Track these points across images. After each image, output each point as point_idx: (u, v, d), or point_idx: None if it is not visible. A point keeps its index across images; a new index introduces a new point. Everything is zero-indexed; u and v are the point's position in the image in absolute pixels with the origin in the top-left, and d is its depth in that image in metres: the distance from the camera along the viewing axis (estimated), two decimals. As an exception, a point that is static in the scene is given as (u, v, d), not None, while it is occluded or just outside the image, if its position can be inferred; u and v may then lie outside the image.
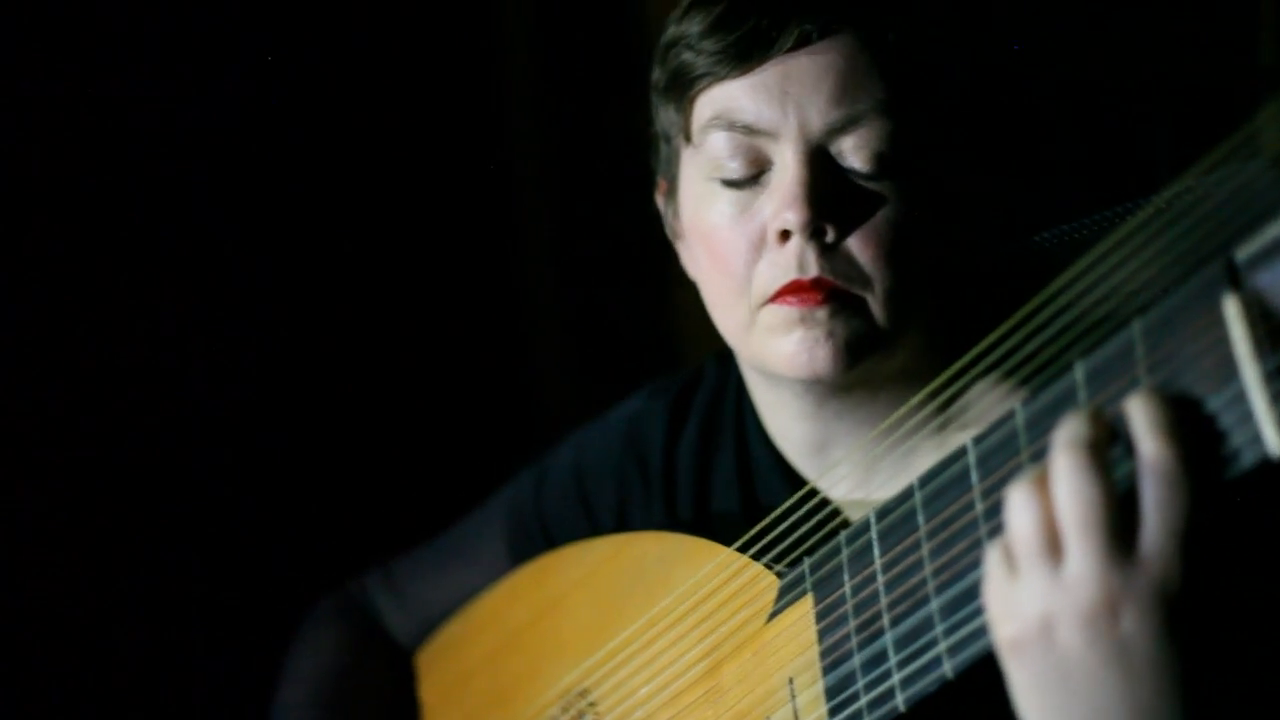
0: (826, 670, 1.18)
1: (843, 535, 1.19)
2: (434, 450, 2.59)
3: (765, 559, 1.30)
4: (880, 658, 1.13)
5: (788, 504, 1.31)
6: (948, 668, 1.07)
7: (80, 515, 2.24)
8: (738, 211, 1.32)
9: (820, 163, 1.28)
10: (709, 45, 1.31)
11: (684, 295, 1.49)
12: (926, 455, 1.33)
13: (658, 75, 1.39)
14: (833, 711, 1.17)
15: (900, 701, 1.11)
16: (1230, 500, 0.92)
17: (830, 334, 1.29)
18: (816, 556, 1.22)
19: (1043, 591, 0.96)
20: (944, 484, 1.09)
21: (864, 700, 1.14)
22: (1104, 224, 1.29)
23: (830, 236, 1.28)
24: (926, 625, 1.09)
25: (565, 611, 1.54)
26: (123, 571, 2.24)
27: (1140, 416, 0.94)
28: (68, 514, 2.23)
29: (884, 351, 1.32)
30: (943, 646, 1.08)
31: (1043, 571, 0.96)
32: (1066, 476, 0.95)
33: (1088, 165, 2.22)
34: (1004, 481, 1.04)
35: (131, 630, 2.22)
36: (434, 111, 2.68)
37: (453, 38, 2.70)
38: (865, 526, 1.16)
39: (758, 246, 1.31)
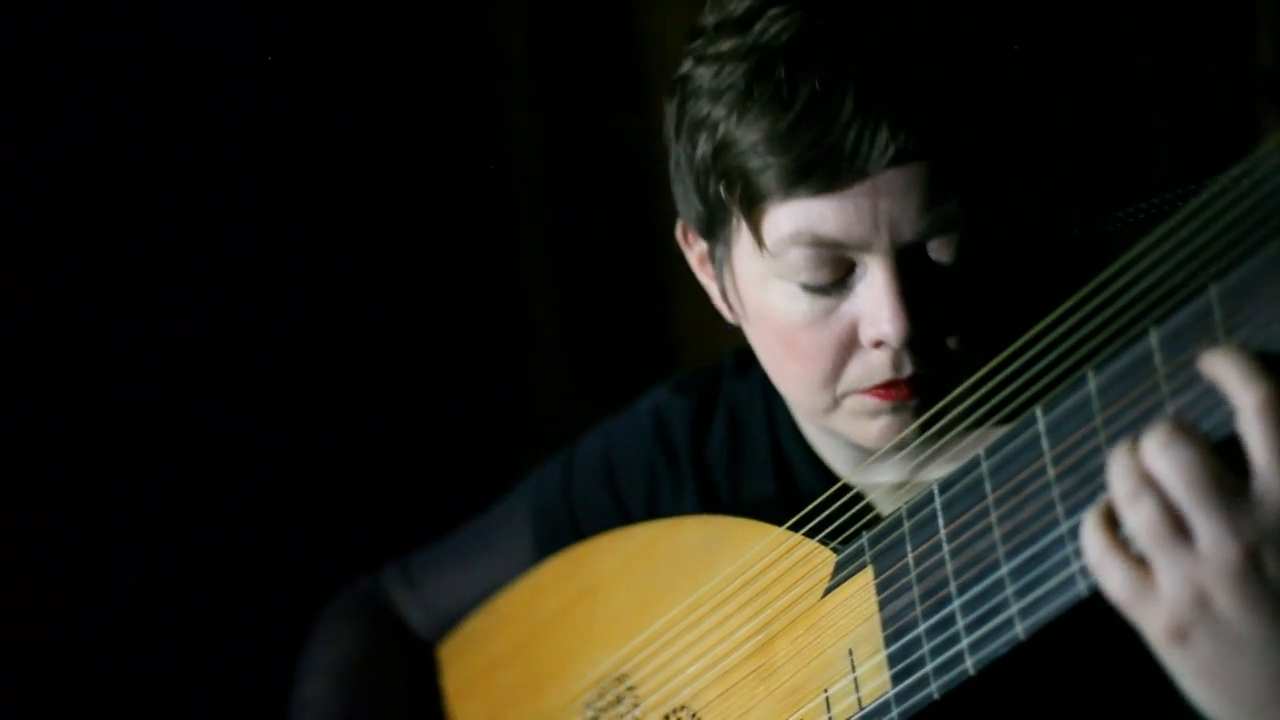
0: (889, 640, 1.20)
1: (904, 508, 1.21)
2: (435, 451, 2.60)
3: (820, 537, 1.31)
4: (947, 622, 1.15)
5: (828, 494, 1.33)
6: (1020, 629, 1.09)
7: (84, 516, 2.23)
8: (822, 313, 1.28)
9: (910, 270, 1.24)
10: (783, 161, 1.22)
11: (681, 297, 1.48)
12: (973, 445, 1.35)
13: (701, 155, 1.29)
14: (896, 678, 1.19)
15: (970, 665, 1.13)
16: None
17: (916, 413, 1.29)
18: (876, 531, 1.24)
19: (1185, 571, 0.96)
20: (1012, 452, 1.11)
21: (930, 666, 1.16)
22: (1149, 211, 1.31)
23: (931, 332, 1.27)
24: (997, 589, 1.11)
25: (600, 600, 1.54)
26: (130, 571, 2.24)
27: (1232, 370, 0.96)
28: (70, 515, 2.23)
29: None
30: (1015, 609, 1.09)
31: (1178, 553, 0.97)
32: (1161, 454, 0.96)
33: (1085, 171, 2.25)
34: (1077, 446, 1.06)
35: (143, 628, 2.22)
36: (432, 117, 2.69)
37: (451, 43, 2.71)
38: (929, 499, 1.18)
39: (847, 346, 1.28)
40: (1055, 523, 1.07)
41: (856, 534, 1.27)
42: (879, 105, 1.20)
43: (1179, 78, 2.13)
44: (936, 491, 1.18)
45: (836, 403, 1.32)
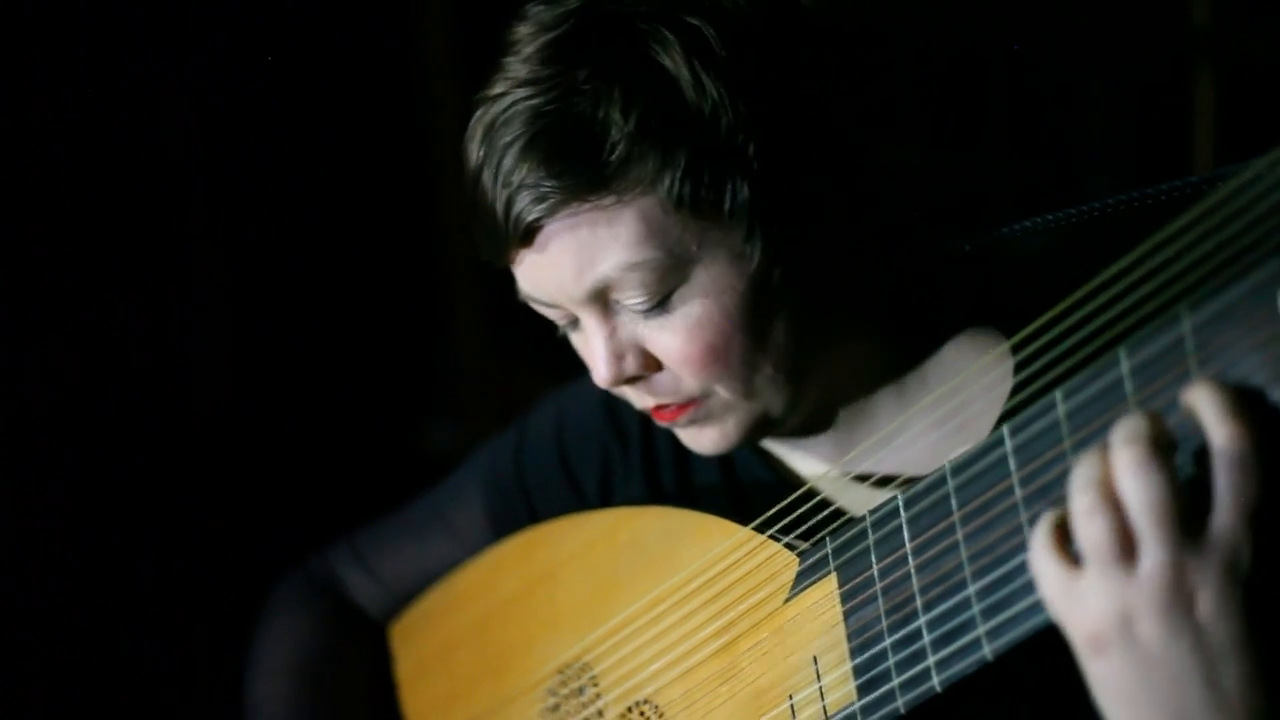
0: (855, 651, 1.21)
1: (869, 518, 1.22)
2: (353, 420, 2.59)
3: (785, 540, 1.32)
4: (913, 638, 1.16)
5: (792, 498, 1.33)
6: (988, 650, 1.10)
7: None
8: (585, 349, 1.37)
9: (608, 317, 1.32)
10: (477, 236, 1.34)
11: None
12: (884, 405, 1.38)
13: None
14: (862, 690, 1.20)
15: (937, 682, 1.14)
16: None
17: (704, 429, 1.37)
18: (841, 539, 1.25)
19: (1118, 587, 0.98)
20: (979, 471, 1.12)
21: (896, 681, 1.17)
22: (1064, 221, 1.32)
23: (645, 374, 1.34)
24: (963, 608, 1.12)
25: (560, 584, 1.54)
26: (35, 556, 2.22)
27: (1210, 404, 0.96)
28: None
29: (774, 420, 1.36)
30: (982, 629, 1.11)
31: (1117, 568, 0.98)
32: (1132, 473, 0.97)
33: (1020, 130, 2.25)
34: (1045, 469, 1.07)
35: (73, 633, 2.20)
36: (352, 97, 2.67)
37: (375, 38, 2.69)
38: (894, 511, 1.19)
39: None
40: (1023, 546, 1.08)
41: (820, 539, 1.28)
42: (510, 182, 1.26)
43: (1111, 40, 2.14)
44: (902, 505, 1.18)
45: None
